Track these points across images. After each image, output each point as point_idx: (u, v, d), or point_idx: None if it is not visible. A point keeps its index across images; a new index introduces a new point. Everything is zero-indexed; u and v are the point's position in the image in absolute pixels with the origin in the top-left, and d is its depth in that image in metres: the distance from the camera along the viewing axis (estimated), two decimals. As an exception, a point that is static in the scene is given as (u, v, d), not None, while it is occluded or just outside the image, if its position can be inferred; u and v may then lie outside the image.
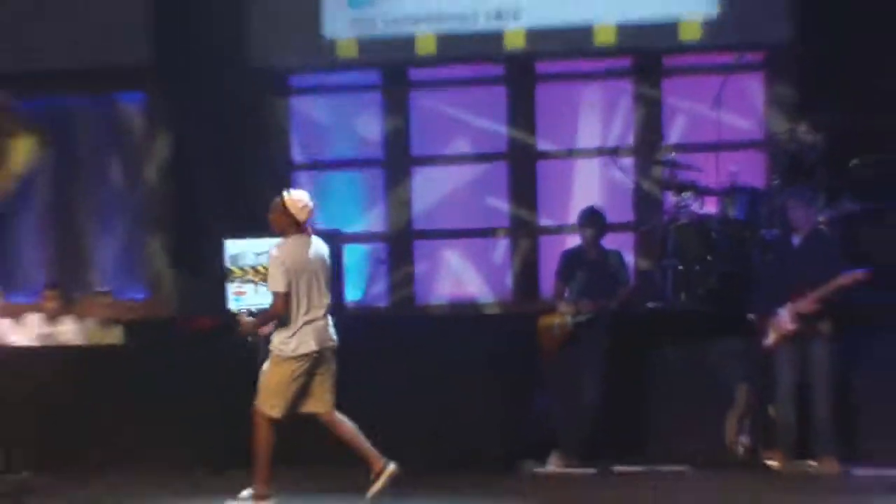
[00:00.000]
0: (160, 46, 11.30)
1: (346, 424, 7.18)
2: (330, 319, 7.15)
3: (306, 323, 6.98)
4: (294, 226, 7.10)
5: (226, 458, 8.37)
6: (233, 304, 9.17)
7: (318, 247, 7.11)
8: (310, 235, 7.07)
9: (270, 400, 7.03)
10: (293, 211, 7.11)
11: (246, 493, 7.39)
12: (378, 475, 7.14)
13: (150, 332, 10.12)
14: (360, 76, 11.64)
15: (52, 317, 9.91)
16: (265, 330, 7.22)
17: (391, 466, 7.08)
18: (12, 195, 11.76)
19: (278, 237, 7.04)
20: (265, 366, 7.17)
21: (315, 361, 7.08)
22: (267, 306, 7.14)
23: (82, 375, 9.18)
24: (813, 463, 8.67)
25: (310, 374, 7.07)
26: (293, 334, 6.99)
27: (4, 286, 11.64)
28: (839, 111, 10.20)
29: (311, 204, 7.19)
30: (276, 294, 6.89)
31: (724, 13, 10.94)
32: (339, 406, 7.65)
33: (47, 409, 8.87)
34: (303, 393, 7.07)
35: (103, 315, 10.07)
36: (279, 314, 6.92)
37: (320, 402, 7.07)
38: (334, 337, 7.15)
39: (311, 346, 7.04)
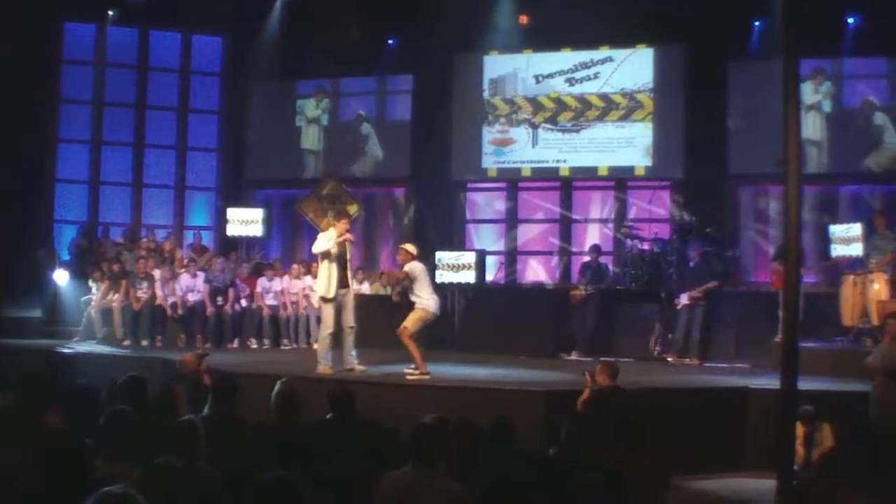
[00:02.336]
0: (414, 166, 20.29)
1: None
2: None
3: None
4: (411, 256, 12.62)
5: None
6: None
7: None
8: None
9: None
10: (412, 251, 12.72)
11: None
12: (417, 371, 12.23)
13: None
14: (497, 185, 20.26)
15: (360, 281, 17.23)
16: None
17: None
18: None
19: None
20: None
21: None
22: None
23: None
24: (688, 360, 15.12)
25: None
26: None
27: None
28: (702, 207, 17.31)
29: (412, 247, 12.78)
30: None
31: (653, 164, 18.87)
32: (479, 321, 16.07)
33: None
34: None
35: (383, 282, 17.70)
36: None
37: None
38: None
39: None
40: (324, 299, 12.89)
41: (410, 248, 12.97)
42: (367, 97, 21.28)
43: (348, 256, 12.96)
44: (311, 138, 21.48)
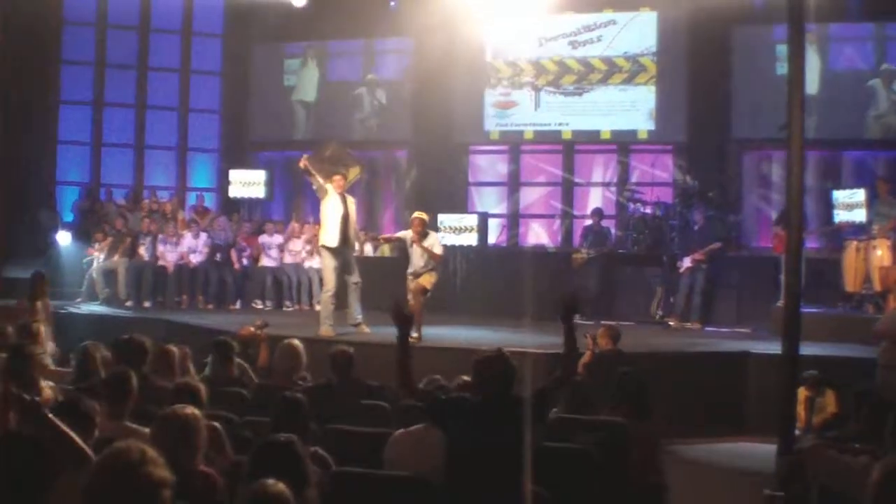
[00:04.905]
0: (416, 129, 20.30)
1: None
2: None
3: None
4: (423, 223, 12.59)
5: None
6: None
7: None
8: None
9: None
10: (425, 218, 12.73)
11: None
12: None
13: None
14: (499, 148, 20.26)
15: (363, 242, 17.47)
16: None
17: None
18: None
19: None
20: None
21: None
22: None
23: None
24: (689, 324, 15.30)
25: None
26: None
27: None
28: (705, 172, 17.60)
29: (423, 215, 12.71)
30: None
31: (656, 128, 18.80)
32: (481, 284, 16.15)
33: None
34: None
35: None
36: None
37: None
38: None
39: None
40: (325, 248, 12.92)
41: (424, 216, 12.97)
42: (369, 59, 21.22)
43: (349, 213, 12.98)
44: (307, 99, 21.55)
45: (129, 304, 16.84)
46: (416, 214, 12.92)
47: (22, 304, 11.87)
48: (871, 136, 17.87)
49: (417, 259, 12.59)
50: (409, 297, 12.34)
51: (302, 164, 13.17)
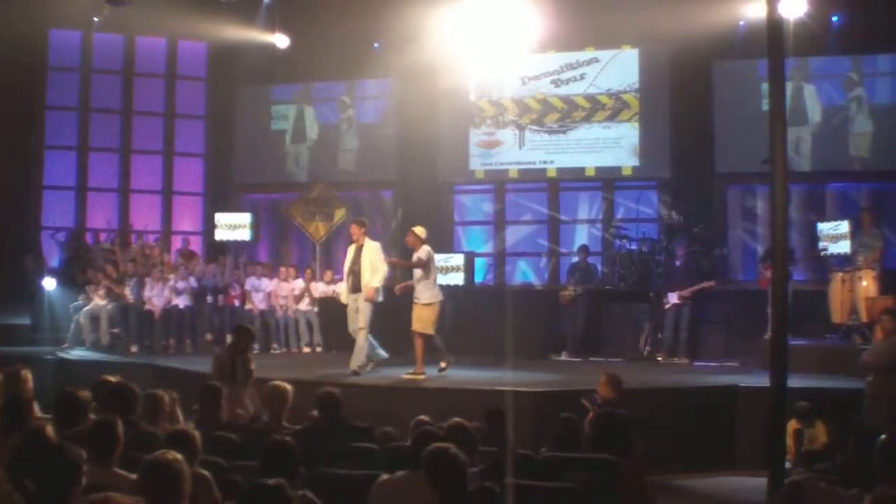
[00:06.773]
0: (401, 169, 20.23)
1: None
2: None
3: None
4: (421, 240, 12.65)
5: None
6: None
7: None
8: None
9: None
10: (420, 235, 12.73)
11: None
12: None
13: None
14: (484, 187, 20.31)
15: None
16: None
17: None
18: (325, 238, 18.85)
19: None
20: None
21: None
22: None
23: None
24: (678, 359, 15.40)
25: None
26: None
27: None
28: (689, 207, 17.39)
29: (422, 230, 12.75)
30: None
31: (640, 164, 18.88)
32: (469, 323, 15.70)
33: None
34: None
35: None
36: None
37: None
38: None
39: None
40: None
41: (420, 231, 12.88)
42: (353, 100, 21.18)
43: (359, 264, 12.92)
44: (295, 143, 21.55)
45: (116, 348, 16.71)
46: (412, 228, 13.06)
47: (222, 361, 11.01)
48: (853, 151, 18.00)
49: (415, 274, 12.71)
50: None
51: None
